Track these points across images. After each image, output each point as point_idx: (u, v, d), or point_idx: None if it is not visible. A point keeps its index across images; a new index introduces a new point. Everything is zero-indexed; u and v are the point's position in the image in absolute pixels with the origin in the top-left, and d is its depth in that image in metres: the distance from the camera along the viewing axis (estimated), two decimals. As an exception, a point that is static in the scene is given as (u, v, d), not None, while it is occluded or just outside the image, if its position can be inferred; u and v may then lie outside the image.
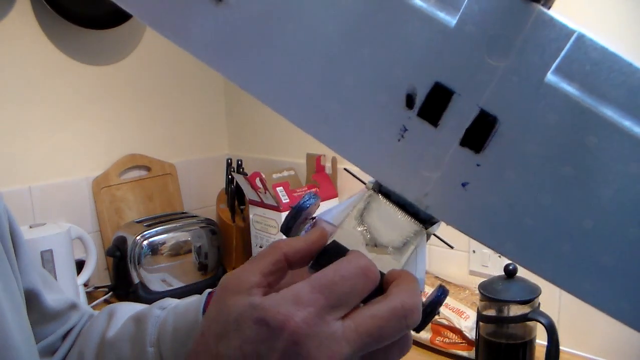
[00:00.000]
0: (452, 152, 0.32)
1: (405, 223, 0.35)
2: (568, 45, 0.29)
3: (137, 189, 1.54)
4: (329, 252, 0.33)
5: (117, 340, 0.52)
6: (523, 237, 0.32)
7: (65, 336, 0.55)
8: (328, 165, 1.47)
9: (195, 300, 0.51)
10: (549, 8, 0.29)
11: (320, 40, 0.33)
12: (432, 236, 0.37)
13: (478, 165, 0.32)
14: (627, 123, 0.29)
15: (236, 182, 1.52)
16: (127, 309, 0.56)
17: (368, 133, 0.34)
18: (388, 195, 0.35)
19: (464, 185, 0.33)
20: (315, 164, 1.47)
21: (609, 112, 0.29)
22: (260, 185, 1.35)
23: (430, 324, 1.09)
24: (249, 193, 1.41)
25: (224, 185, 1.62)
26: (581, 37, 0.29)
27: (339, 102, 0.34)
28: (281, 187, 1.36)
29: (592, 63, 0.29)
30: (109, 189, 1.48)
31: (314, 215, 0.38)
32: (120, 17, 1.42)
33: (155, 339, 0.50)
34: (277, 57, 0.34)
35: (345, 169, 0.37)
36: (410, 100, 0.32)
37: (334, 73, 0.33)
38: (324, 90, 0.34)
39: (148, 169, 1.56)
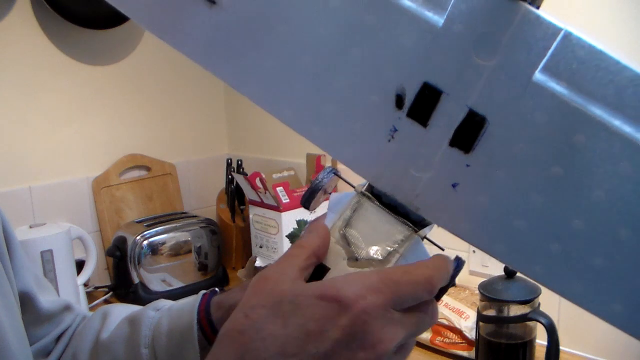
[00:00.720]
0: (442, 152, 0.32)
1: (395, 227, 0.35)
2: (555, 44, 0.29)
3: (137, 189, 1.54)
4: (314, 273, 0.34)
5: (112, 341, 0.52)
6: (513, 238, 0.32)
7: (59, 338, 0.55)
8: (328, 165, 1.47)
9: (189, 302, 0.51)
10: (537, 7, 0.29)
11: (311, 42, 0.33)
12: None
13: (468, 165, 0.32)
14: (616, 122, 0.28)
15: (236, 182, 1.52)
16: (121, 311, 0.56)
17: (359, 134, 0.34)
18: (379, 197, 0.35)
19: (454, 185, 0.32)
20: (315, 164, 1.47)
21: (598, 111, 0.29)
22: (260, 185, 1.35)
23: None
24: (249, 193, 1.41)
25: (224, 185, 1.62)
26: (568, 36, 0.28)
27: (330, 103, 0.34)
28: (281, 187, 1.36)
29: (579, 61, 0.28)
30: (109, 189, 1.48)
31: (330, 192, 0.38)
32: (120, 17, 1.41)
33: (150, 340, 0.50)
34: (270, 58, 0.34)
35: (334, 172, 0.38)
36: (399, 101, 0.32)
37: (325, 74, 0.33)
38: (315, 91, 0.34)
39: (148, 169, 1.56)
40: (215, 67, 0.36)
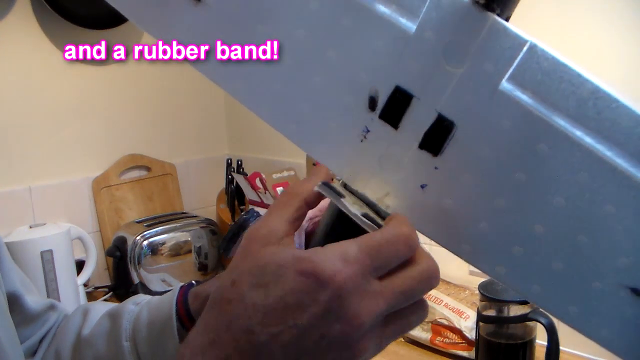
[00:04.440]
0: (411, 154, 0.33)
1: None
2: (521, 55, 0.30)
3: (137, 189, 1.54)
4: (343, 221, 0.34)
5: (93, 337, 0.52)
6: (478, 239, 0.33)
7: (43, 337, 0.56)
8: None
9: (168, 295, 0.51)
10: (507, 19, 0.30)
11: (289, 42, 0.34)
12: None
13: (436, 168, 0.33)
14: (578, 133, 0.30)
15: (236, 182, 1.52)
16: (100, 307, 0.56)
17: (333, 133, 0.35)
18: (352, 193, 0.36)
19: (422, 187, 0.34)
20: (315, 164, 1.47)
21: (561, 122, 0.30)
22: (260, 185, 1.35)
23: (430, 324, 1.09)
24: (249, 193, 1.41)
25: (224, 185, 1.62)
26: (533, 47, 0.30)
27: (306, 102, 0.35)
28: (281, 187, 1.36)
29: (543, 73, 0.30)
30: (109, 189, 1.48)
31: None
32: (120, 17, 1.41)
33: (131, 333, 0.50)
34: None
35: (314, 164, 0.39)
36: (372, 103, 0.33)
37: (303, 74, 0.35)
38: (293, 91, 0.35)
39: (148, 169, 1.56)
40: (199, 62, 0.37)
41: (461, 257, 0.34)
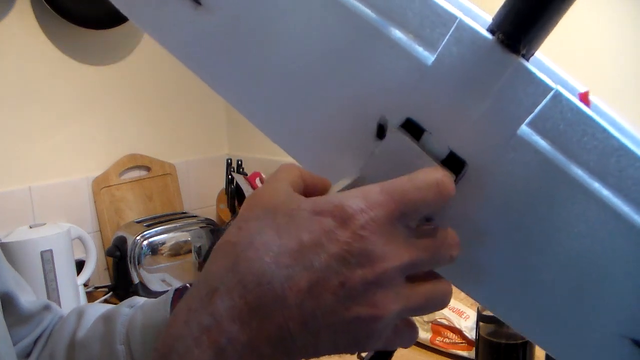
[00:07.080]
0: None
1: None
2: (544, 102, 0.28)
3: (137, 189, 1.54)
4: None
5: (87, 340, 0.52)
6: (482, 279, 0.33)
7: (38, 338, 0.55)
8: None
9: (162, 298, 0.51)
10: (528, 59, 0.29)
11: (296, 60, 0.33)
12: None
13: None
14: (595, 185, 0.29)
15: (236, 182, 1.52)
16: (96, 309, 0.56)
17: (338, 157, 0.34)
18: None
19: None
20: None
21: (579, 172, 0.29)
22: (260, 185, 1.35)
23: (430, 324, 1.09)
24: (249, 193, 1.41)
25: (224, 185, 1.62)
26: (558, 96, 0.28)
27: (311, 124, 0.34)
28: (281, 187, 1.36)
29: (566, 123, 0.28)
30: (109, 189, 1.48)
31: None
32: (120, 17, 1.41)
33: (125, 336, 0.50)
34: (252, 72, 0.34)
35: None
36: (381, 131, 0.32)
37: (309, 96, 0.34)
38: (297, 111, 0.34)
39: (148, 169, 1.56)
40: (197, 67, 0.36)
41: (465, 293, 0.34)
